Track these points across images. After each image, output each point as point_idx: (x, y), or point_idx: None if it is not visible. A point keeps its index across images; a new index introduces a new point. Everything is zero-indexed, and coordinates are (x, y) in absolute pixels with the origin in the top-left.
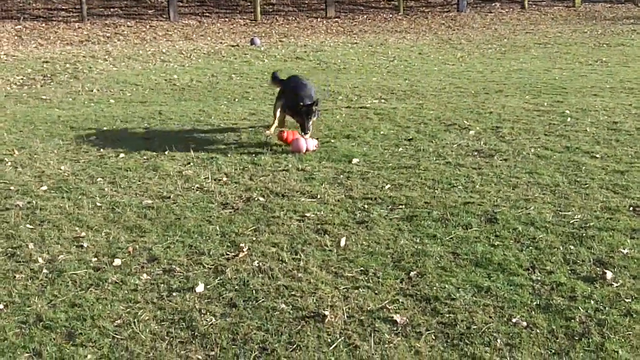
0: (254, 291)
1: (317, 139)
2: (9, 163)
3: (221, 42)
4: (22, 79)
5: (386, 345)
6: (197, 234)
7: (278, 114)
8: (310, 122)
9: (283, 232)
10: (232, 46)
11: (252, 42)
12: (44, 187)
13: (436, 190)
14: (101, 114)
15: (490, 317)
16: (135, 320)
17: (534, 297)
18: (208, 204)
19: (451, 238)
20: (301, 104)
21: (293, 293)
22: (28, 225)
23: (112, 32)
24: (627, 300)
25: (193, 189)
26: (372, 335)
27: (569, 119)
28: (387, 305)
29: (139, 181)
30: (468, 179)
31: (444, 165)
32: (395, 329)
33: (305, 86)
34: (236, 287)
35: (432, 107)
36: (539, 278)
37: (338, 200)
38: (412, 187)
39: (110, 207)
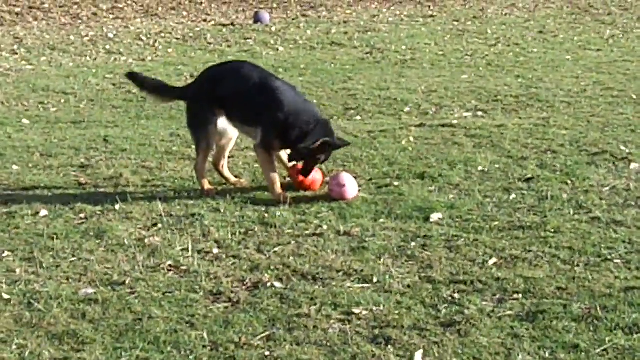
0: None
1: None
2: None
3: (205, 20)
4: None
5: None
6: (171, 346)
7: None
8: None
9: (315, 341)
10: (224, 25)
11: (257, 19)
12: None
13: (576, 268)
14: (7, 142)
15: None
16: None
17: None
18: (188, 294)
19: (605, 350)
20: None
21: None
22: None
23: (24, 5)
24: None
25: (163, 269)
26: None
27: None
28: None
29: (73, 256)
30: (631, 246)
31: (588, 224)
32: None
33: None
34: None
35: (564, 123)
36: None
37: (408, 286)
38: (534, 262)
39: (25, 301)
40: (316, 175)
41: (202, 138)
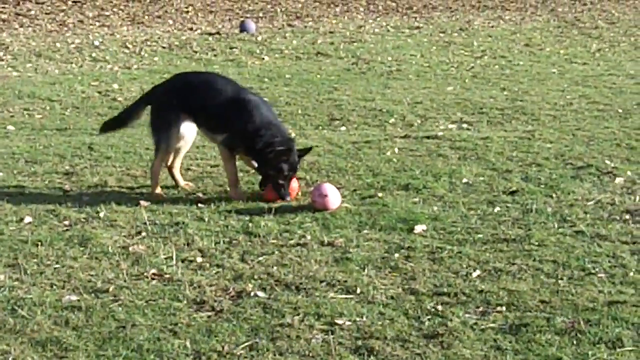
0: None
1: (313, 183)
2: None
3: (191, 28)
4: None
5: None
6: (154, 354)
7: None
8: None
9: (298, 351)
10: (210, 34)
11: (243, 28)
12: None
13: (560, 281)
14: None
15: None
16: None
17: None
18: (172, 302)
19: None
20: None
21: None
22: None
23: (11, 11)
24: None
25: (146, 277)
26: None
27: None
28: None
29: (57, 263)
30: (615, 260)
31: (572, 238)
32: None
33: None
34: None
35: (549, 136)
36: None
37: (391, 298)
38: (518, 275)
39: (8, 307)
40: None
41: (163, 140)
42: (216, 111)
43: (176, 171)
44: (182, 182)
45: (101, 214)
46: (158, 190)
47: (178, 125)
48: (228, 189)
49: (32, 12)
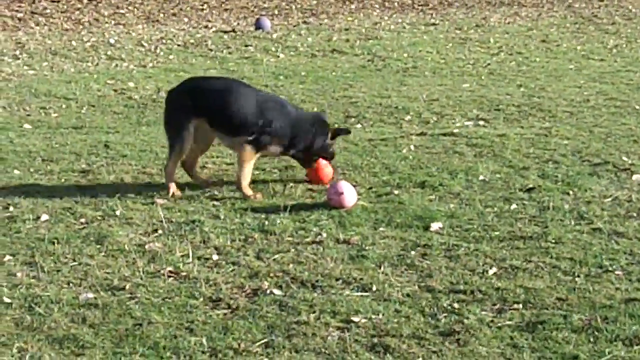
0: None
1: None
2: None
3: (206, 26)
4: None
5: None
6: (171, 351)
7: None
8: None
9: (314, 349)
10: (225, 32)
11: (259, 26)
12: None
13: (577, 279)
14: (9, 147)
15: None
16: None
17: None
18: (188, 299)
19: None
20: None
21: None
22: None
23: (26, 10)
24: None
25: (163, 275)
26: None
27: None
28: None
29: (74, 261)
30: (632, 258)
31: (589, 235)
32: None
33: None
34: None
35: (566, 133)
36: None
37: (407, 295)
38: (535, 272)
39: (25, 304)
40: (327, 169)
41: (177, 142)
42: (237, 113)
43: (193, 170)
44: (200, 178)
45: (117, 212)
46: (173, 188)
47: (190, 128)
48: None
49: (48, 11)
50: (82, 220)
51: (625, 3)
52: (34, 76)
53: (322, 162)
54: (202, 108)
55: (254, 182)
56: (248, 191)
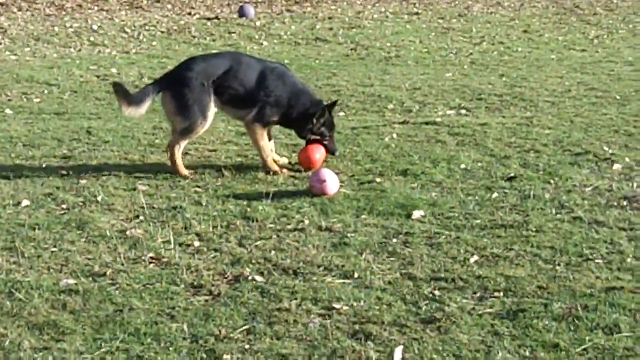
0: None
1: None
2: None
3: (190, 13)
4: None
5: None
6: (151, 337)
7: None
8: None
9: (295, 336)
10: (209, 19)
11: (242, 13)
12: None
13: (558, 267)
14: None
15: None
16: None
17: None
18: (169, 286)
19: (585, 350)
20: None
21: None
22: None
23: None
24: None
25: (144, 261)
26: None
27: None
28: None
29: (54, 247)
30: (612, 247)
31: (569, 224)
32: None
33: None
34: None
35: (548, 122)
36: None
37: (389, 283)
38: (515, 260)
39: (5, 290)
40: (317, 154)
41: (197, 123)
42: (244, 86)
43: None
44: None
45: (99, 198)
46: (184, 170)
47: (211, 108)
48: (235, 170)
49: None
50: (64, 206)
51: None
52: (16, 61)
53: (316, 146)
54: (219, 85)
55: (237, 168)
56: (274, 166)
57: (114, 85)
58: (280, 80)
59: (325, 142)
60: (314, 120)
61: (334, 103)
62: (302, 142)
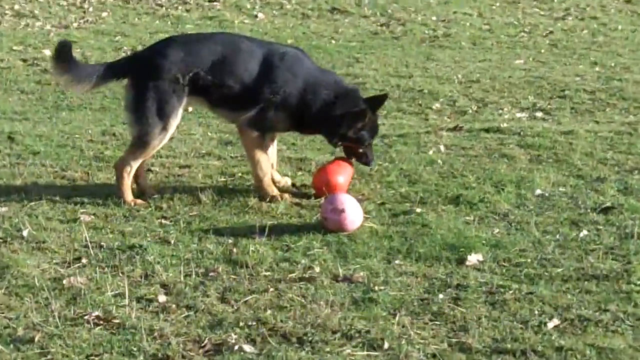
0: None
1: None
2: None
3: None
4: None
5: None
6: None
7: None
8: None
9: None
10: None
11: None
12: None
13: None
14: None
15: None
16: None
17: None
18: (123, 358)
19: None
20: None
21: None
22: None
23: None
24: None
25: (87, 323)
26: None
27: None
28: None
29: None
30: None
31: None
32: None
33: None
34: None
35: None
36: None
37: (433, 356)
38: (612, 326)
39: None
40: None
41: (153, 132)
42: (241, 82)
43: (143, 178)
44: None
45: (24, 233)
46: (130, 197)
47: (178, 110)
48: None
49: None
50: None
51: None
52: None
53: (341, 166)
54: (197, 80)
55: (220, 191)
56: (272, 189)
57: (60, 45)
58: (291, 72)
59: (361, 151)
60: (350, 122)
61: (383, 97)
62: (310, 155)
